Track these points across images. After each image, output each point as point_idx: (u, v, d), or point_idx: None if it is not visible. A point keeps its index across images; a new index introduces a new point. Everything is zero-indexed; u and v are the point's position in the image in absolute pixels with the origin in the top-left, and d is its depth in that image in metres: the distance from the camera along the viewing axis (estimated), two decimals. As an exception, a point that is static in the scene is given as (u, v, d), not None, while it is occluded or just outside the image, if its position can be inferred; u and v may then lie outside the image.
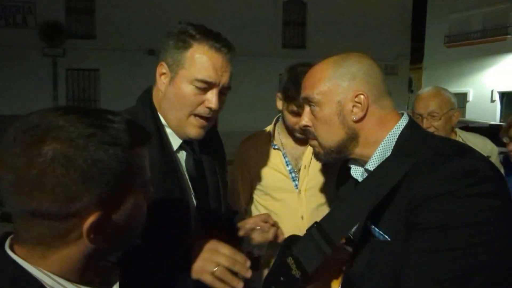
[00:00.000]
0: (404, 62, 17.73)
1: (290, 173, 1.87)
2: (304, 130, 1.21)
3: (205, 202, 1.36)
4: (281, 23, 16.40)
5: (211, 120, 1.30)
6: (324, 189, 1.85)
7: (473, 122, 11.34)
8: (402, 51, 17.52)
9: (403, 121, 1.09)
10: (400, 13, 17.44)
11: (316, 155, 1.20)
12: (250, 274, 1.13)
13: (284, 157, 1.88)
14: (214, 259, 1.11)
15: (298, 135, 1.77)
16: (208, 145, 1.42)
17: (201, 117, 1.26)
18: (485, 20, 18.31)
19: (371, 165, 1.09)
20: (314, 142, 1.17)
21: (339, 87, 1.10)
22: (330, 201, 1.82)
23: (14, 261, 0.68)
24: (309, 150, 1.81)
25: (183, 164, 1.33)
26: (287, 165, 1.87)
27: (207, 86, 1.23)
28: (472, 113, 17.65)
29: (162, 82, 1.27)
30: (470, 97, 18.93)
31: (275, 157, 1.88)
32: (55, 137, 0.64)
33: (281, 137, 1.90)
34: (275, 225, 1.48)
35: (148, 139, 0.76)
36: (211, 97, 1.24)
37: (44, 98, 13.26)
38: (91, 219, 0.66)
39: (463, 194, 0.87)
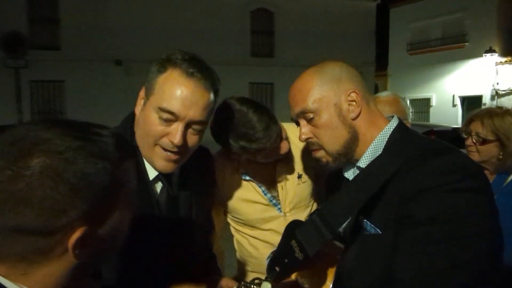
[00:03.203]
0: (369, 69, 18.21)
1: (270, 200, 1.71)
2: (308, 143, 1.20)
3: (171, 238, 1.26)
4: (249, 32, 16.53)
5: (183, 154, 1.17)
6: (304, 203, 1.75)
7: (437, 126, 11.81)
8: (367, 58, 18.01)
9: (394, 123, 1.15)
10: (364, 22, 17.97)
11: (325, 165, 1.19)
12: None
13: (260, 187, 1.69)
14: None
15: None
16: (191, 179, 1.31)
17: (166, 149, 1.14)
18: (444, 28, 19.10)
19: (363, 163, 1.13)
20: (320, 153, 1.17)
21: (331, 91, 1.14)
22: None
23: None
24: (279, 168, 1.69)
25: (157, 196, 1.25)
26: (265, 194, 1.70)
27: (171, 117, 1.11)
28: (435, 118, 18.30)
29: (139, 106, 1.19)
30: (433, 102, 19.62)
31: (250, 190, 1.69)
32: (43, 150, 0.62)
33: (246, 165, 1.67)
34: None
35: (134, 153, 0.75)
36: (175, 132, 1.11)
37: (7, 111, 12.81)
38: (76, 234, 0.64)
39: (451, 188, 0.92)
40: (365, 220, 1.06)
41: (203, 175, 1.40)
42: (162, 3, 14.69)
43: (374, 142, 1.13)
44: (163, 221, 1.25)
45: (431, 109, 19.63)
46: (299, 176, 1.73)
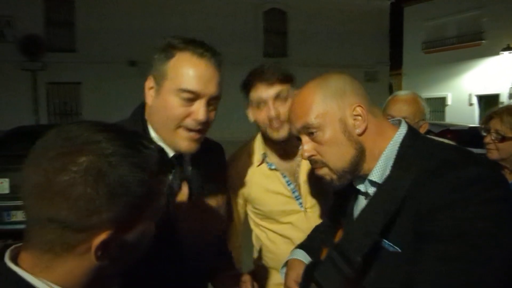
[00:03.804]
0: (384, 69, 18.06)
1: (293, 192, 1.72)
2: (310, 161, 1.15)
3: (185, 221, 1.29)
4: (262, 32, 16.54)
5: (203, 132, 1.22)
6: (328, 199, 1.71)
7: (453, 125, 11.62)
8: (381, 58, 17.85)
9: (403, 129, 1.09)
10: (378, 21, 17.81)
11: (329, 184, 1.13)
12: None
13: (284, 177, 1.72)
14: None
15: (272, 133, 1.62)
16: (203, 163, 1.34)
17: (190, 129, 1.18)
18: (459, 26, 18.81)
19: (375, 176, 1.08)
20: (324, 170, 1.12)
21: (335, 105, 1.08)
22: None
23: (15, 273, 0.67)
24: (304, 162, 1.69)
25: (170, 180, 1.26)
26: (289, 184, 1.71)
27: (193, 96, 1.16)
28: (452, 117, 18.05)
29: (150, 95, 1.23)
30: (449, 101, 19.33)
31: (274, 180, 1.72)
32: (92, 150, 0.66)
33: (270, 154, 1.74)
34: None
35: (172, 170, 0.79)
36: (198, 109, 1.16)
37: (24, 113, 13.07)
38: (103, 236, 0.67)
39: (472, 202, 0.88)
40: (385, 240, 1.01)
41: (215, 168, 1.40)
42: (176, 4, 14.80)
43: (384, 153, 1.07)
44: (178, 205, 1.27)
45: (447, 108, 19.35)
46: None
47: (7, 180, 5.50)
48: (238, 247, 1.92)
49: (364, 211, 1.05)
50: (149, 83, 1.23)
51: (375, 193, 1.06)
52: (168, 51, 1.19)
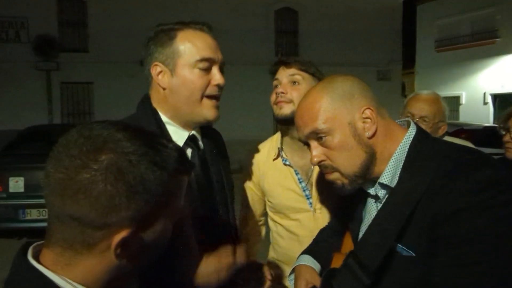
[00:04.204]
0: (396, 68, 17.88)
1: (304, 191, 1.75)
2: (320, 166, 1.13)
3: (209, 199, 1.33)
4: (273, 32, 16.50)
5: (219, 99, 1.31)
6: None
7: (468, 125, 11.43)
8: (394, 56, 17.68)
9: (412, 131, 1.08)
10: (391, 19, 17.64)
11: (341, 189, 1.11)
12: None
13: (296, 174, 1.75)
14: None
15: (276, 110, 1.69)
16: (211, 143, 1.41)
17: (211, 97, 1.27)
18: (473, 24, 18.53)
19: (385, 179, 1.06)
20: (335, 175, 1.10)
21: (343, 108, 1.06)
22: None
23: (37, 270, 0.68)
24: None
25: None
26: (300, 182, 1.75)
27: (208, 64, 1.24)
28: (466, 116, 17.79)
29: (162, 80, 1.26)
30: (463, 100, 19.07)
31: (287, 176, 1.76)
32: (113, 149, 0.67)
33: (286, 150, 1.79)
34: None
35: (191, 170, 0.79)
36: (216, 74, 1.26)
37: (39, 112, 13.27)
38: (122, 234, 0.68)
39: (488, 205, 0.87)
40: (398, 244, 1.00)
41: (214, 139, 1.46)
42: (188, 3, 14.87)
43: (394, 156, 1.05)
44: (201, 181, 1.31)
45: (461, 107, 19.07)
46: None
47: (22, 178, 5.59)
48: (254, 235, 1.96)
49: (379, 215, 1.03)
50: (156, 69, 1.26)
51: (389, 197, 1.04)
52: (168, 33, 1.25)
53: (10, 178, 5.54)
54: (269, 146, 1.86)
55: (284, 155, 1.78)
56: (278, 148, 1.80)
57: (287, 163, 1.76)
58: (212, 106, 1.27)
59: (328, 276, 1.18)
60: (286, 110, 1.65)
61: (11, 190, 5.53)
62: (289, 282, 1.45)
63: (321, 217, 1.73)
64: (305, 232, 1.72)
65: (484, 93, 18.21)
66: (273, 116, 1.78)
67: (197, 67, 1.23)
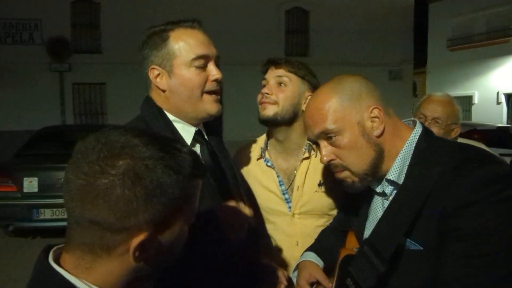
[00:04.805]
0: (408, 67, 17.71)
1: (283, 194, 1.71)
2: (330, 165, 1.16)
3: (225, 189, 1.34)
4: (283, 32, 16.48)
5: (219, 93, 1.33)
6: (319, 212, 1.70)
7: (481, 125, 11.24)
8: (405, 56, 17.52)
9: (418, 130, 1.10)
10: (402, 18, 17.48)
11: (351, 187, 1.14)
12: None
13: (278, 176, 1.72)
14: None
15: (260, 111, 1.67)
16: (213, 138, 1.43)
17: (211, 92, 1.29)
18: (488, 22, 18.27)
19: (392, 175, 1.09)
20: (345, 174, 1.13)
21: (352, 108, 1.09)
22: (325, 225, 1.66)
23: (59, 274, 0.70)
24: (302, 167, 1.69)
25: (200, 155, 1.32)
26: (280, 185, 1.72)
27: (204, 61, 1.26)
28: (478, 116, 17.55)
29: (161, 82, 1.28)
30: (476, 100, 18.82)
31: (268, 177, 1.73)
32: (130, 154, 0.69)
33: (271, 151, 1.76)
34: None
35: (206, 173, 0.81)
36: (212, 69, 1.27)
37: (52, 112, 13.46)
38: (140, 237, 0.69)
39: (495, 199, 0.89)
40: (406, 238, 1.02)
41: (215, 134, 1.48)
42: (198, 3, 14.92)
43: (400, 153, 1.08)
44: (214, 173, 1.31)
45: (473, 107, 18.82)
46: (320, 184, 1.69)
47: (36, 179, 5.67)
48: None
49: (389, 209, 1.05)
50: (154, 72, 1.29)
51: (399, 192, 1.06)
52: (160, 35, 1.27)
53: (25, 178, 5.63)
54: (253, 146, 1.85)
55: (267, 156, 1.76)
56: (261, 148, 1.78)
57: (269, 164, 1.74)
58: (213, 100, 1.29)
59: (344, 262, 1.21)
60: (269, 111, 1.63)
61: (25, 190, 5.62)
62: (293, 278, 1.46)
63: (300, 223, 1.69)
64: (282, 237, 1.70)
65: (498, 93, 17.93)
66: None
67: (193, 66, 1.24)
